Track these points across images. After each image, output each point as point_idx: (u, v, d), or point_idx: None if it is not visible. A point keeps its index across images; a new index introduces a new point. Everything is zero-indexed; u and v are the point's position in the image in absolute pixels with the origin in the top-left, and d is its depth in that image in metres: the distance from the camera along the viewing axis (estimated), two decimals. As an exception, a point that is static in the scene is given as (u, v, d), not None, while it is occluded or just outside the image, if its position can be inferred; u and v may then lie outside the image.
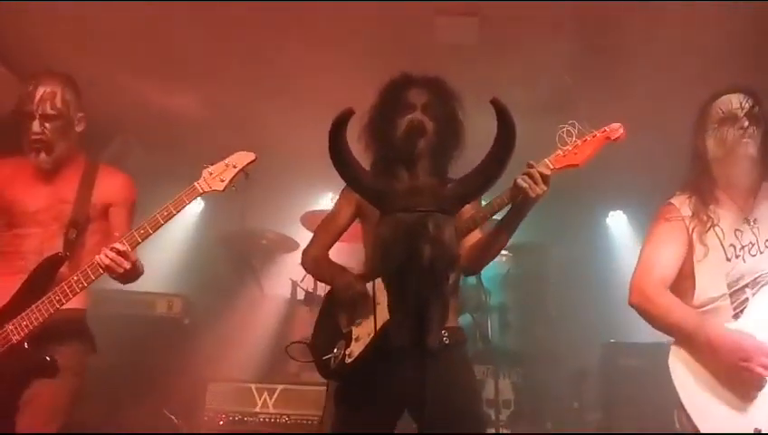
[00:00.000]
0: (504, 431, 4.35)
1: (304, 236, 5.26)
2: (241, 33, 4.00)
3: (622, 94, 4.18)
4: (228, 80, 4.52)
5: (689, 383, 2.17)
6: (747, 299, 2.20)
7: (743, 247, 2.26)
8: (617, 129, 2.19)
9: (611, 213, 6.36)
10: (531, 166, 2.07)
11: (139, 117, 4.93)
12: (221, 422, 3.67)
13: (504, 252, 5.47)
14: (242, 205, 5.24)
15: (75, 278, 2.34)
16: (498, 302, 5.21)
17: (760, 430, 2.03)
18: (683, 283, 2.32)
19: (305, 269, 2.43)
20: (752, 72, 3.08)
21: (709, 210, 2.31)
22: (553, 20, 3.67)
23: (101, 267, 2.31)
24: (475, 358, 4.52)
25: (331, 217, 2.42)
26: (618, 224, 6.34)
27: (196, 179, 2.43)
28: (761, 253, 2.24)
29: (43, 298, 2.33)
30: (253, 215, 5.27)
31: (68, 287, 2.33)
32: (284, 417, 3.67)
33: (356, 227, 2.46)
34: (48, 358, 2.36)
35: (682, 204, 2.37)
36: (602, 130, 2.19)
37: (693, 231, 2.31)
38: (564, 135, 2.16)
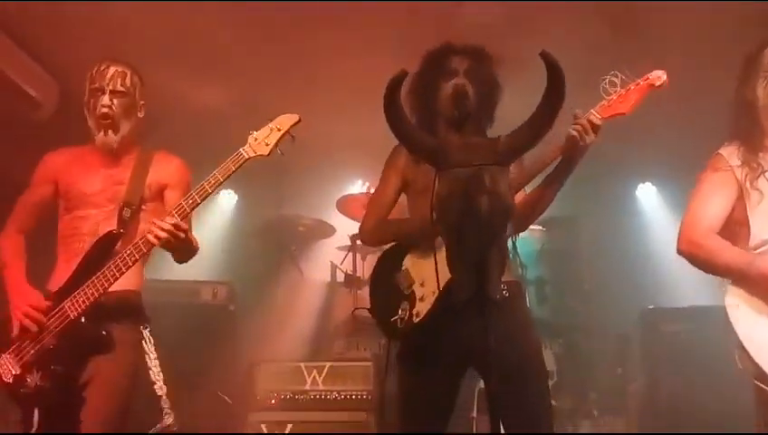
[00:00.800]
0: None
1: (340, 222, 5.44)
2: (268, 23, 4.06)
3: (653, 64, 4.19)
4: (256, 71, 4.59)
5: (748, 321, 2.21)
6: None
7: None
8: (660, 76, 2.23)
9: (640, 185, 6.37)
10: (577, 116, 2.13)
11: (172, 113, 5.03)
12: (273, 401, 3.76)
13: (537, 227, 5.53)
14: (278, 194, 5.37)
15: (128, 252, 2.35)
16: (535, 276, 5.25)
17: None
18: (738, 230, 2.36)
19: (366, 242, 2.51)
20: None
21: (759, 157, 2.33)
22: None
23: (154, 239, 2.31)
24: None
25: (379, 190, 2.48)
26: (647, 195, 6.35)
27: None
28: None
29: (98, 274, 2.36)
30: (289, 203, 5.38)
31: (121, 262, 2.35)
32: (334, 393, 3.76)
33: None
34: (104, 332, 2.39)
35: (730, 154, 2.40)
36: (645, 77, 2.23)
37: (745, 179, 2.33)
38: (608, 85, 2.20)
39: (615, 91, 2.20)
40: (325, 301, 4.79)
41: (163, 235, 2.30)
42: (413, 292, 2.22)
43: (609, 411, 4.57)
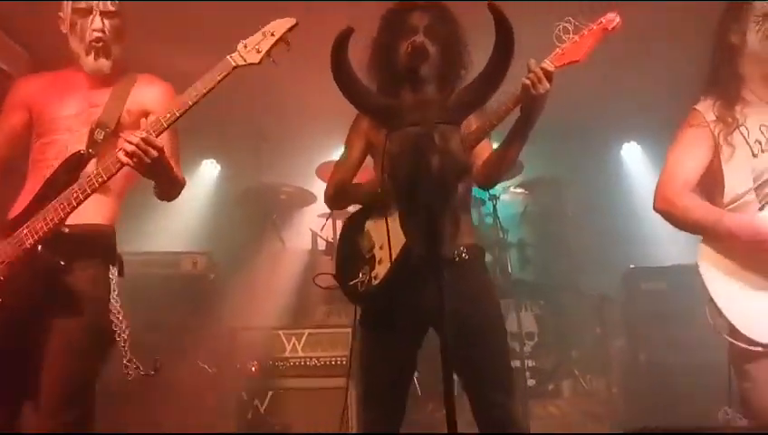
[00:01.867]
0: (530, 363, 4.42)
1: (321, 189, 5.35)
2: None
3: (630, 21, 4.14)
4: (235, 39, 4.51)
5: (717, 276, 2.23)
6: None
7: None
8: (612, 18, 2.17)
9: (625, 145, 6.34)
10: (531, 67, 2.08)
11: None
12: (253, 368, 3.77)
13: (519, 190, 5.52)
14: (259, 161, 5.32)
15: (95, 172, 2.08)
16: (517, 238, 5.26)
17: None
18: (713, 186, 2.36)
19: (329, 205, 2.48)
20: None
21: (735, 111, 2.31)
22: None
23: (123, 156, 2.04)
24: (500, 292, 4.59)
25: (344, 154, 2.46)
26: (632, 155, 6.33)
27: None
28: None
29: (60, 196, 2.09)
30: (270, 171, 5.34)
31: (87, 183, 2.08)
32: (313, 359, 3.77)
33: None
34: (62, 263, 2.12)
35: (707, 109, 2.37)
36: (598, 21, 2.17)
37: (719, 134, 2.31)
38: (561, 33, 2.15)
39: (568, 38, 2.14)
40: (306, 269, 4.77)
41: (131, 148, 2.03)
42: (373, 255, 2.21)
43: (590, 371, 4.61)
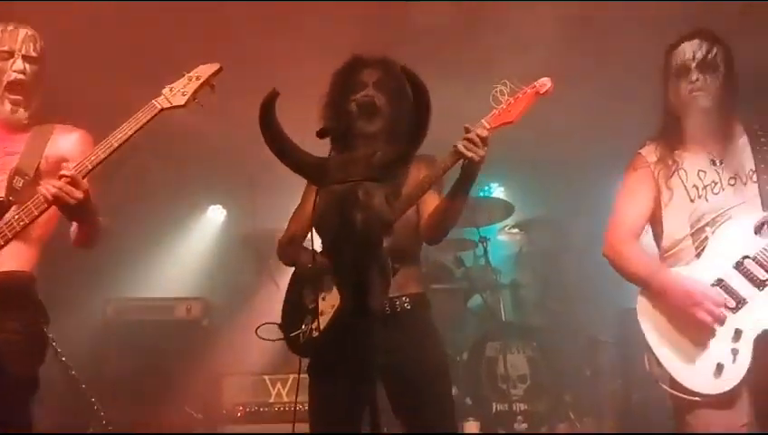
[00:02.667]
0: (522, 406, 4.38)
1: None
2: (226, 33, 4.06)
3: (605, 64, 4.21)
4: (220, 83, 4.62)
5: (655, 327, 2.21)
6: (707, 238, 2.21)
7: (705, 187, 2.25)
8: (545, 83, 2.21)
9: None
10: (468, 130, 2.11)
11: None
12: (239, 414, 3.80)
13: (515, 230, 5.53)
14: (257, 206, 5.42)
15: (16, 216, 2.01)
16: (510, 280, 5.25)
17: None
18: (656, 228, 2.37)
19: (279, 258, 2.53)
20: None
21: (675, 155, 2.32)
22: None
23: (47, 198, 1.99)
24: (487, 336, 4.58)
25: (298, 206, 2.51)
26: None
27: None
28: (723, 190, 2.23)
29: None
30: (267, 215, 5.43)
31: (6, 227, 2.02)
32: (299, 405, 3.78)
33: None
34: None
35: (649, 152, 2.39)
36: (532, 85, 2.21)
37: (659, 176, 2.32)
38: (498, 94, 2.20)
39: (505, 100, 2.20)
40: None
41: (54, 190, 1.98)
42: (317, 306, 2.23)
43: (586, 413, 4.54)
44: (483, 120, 2.16)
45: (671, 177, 2.30)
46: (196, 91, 2.22)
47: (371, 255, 1.55)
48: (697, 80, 2.26)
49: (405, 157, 1.65)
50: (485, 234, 4.80)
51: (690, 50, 2.30)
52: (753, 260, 2.08)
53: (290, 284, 2.45)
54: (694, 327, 2.10)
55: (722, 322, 2.06)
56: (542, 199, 5.90)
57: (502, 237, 5.54)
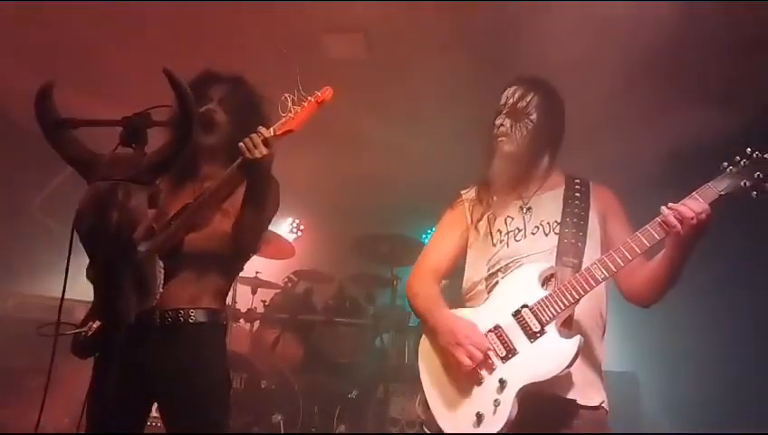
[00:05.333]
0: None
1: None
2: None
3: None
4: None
5: (427, 371, 2.17)
6: (497, 283, 2.18)
7: (508, 233, 2.23)
8: (324, 92, 2.23)
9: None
10: (258, 133, 2.15)
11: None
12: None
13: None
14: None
15: None
16: (417, 322, 5.18)
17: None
18: (464, 268, 2.35)
19: None
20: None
21: (490, 198, 2.31)
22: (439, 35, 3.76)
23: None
24: (390, 375, 4.52)
25: None
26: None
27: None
28: (525, 238, 2.21)
29: None
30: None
31: None
32: None
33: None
34: None
35: (468, 192, 2.41)
36: (315, 94, 2.23)
37: (471, 214, 2.33)
38: (288, 102, 2.21)
39: (292, 109, 2.20)
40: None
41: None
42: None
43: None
44: (272, 127, 2.19)
45: (480, 219, 2.29)
46: None
47: (123, 256, 1.55)
48: (502, 125, 2.27)
49: (171, 161, 1.66)
50: (396, 272, 4.77)
51: (505, 95, 2.33)
52: (530, 310, 2.03)
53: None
54: (463, 373, 2.04)
55: (486, 366, 2.02)
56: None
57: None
